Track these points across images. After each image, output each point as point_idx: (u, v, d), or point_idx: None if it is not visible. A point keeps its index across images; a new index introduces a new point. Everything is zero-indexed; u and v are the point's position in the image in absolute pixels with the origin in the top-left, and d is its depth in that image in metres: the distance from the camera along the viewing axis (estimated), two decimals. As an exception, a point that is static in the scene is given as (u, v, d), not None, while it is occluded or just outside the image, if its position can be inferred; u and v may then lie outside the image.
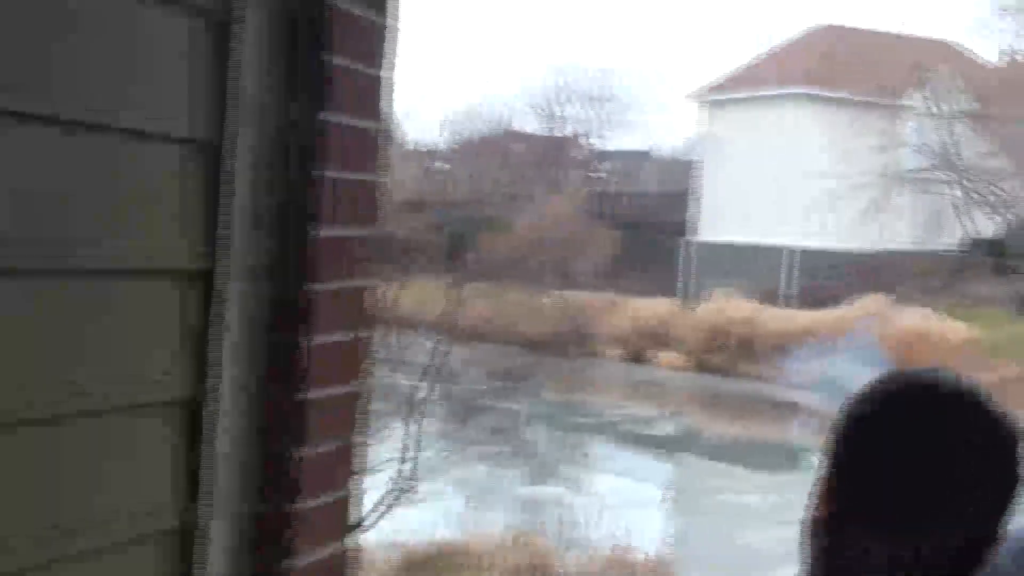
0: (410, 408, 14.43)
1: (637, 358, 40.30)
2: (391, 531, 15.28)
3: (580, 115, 61.03)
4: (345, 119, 2.35)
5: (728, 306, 40.46)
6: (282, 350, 2.28)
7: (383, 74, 2.45)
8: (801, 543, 1.86)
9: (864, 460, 1.80)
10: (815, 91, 45.66)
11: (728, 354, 38.84)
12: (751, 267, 44.85)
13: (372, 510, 13.90)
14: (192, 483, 2.17)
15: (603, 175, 60.86)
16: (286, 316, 2.28)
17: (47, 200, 1.90)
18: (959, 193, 42.67)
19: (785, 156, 45.61)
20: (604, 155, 61.68)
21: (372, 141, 2.43)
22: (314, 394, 2.30)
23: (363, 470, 2.49)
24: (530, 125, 60.59)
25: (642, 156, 62.38)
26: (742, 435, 32.13)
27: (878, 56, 44.77)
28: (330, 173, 2.31)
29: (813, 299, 40.33)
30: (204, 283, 2.18)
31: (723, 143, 48.87)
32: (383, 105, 2.47)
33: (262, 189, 2.26)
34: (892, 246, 43.56)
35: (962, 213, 42.80)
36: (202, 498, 2.17)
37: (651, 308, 41.62)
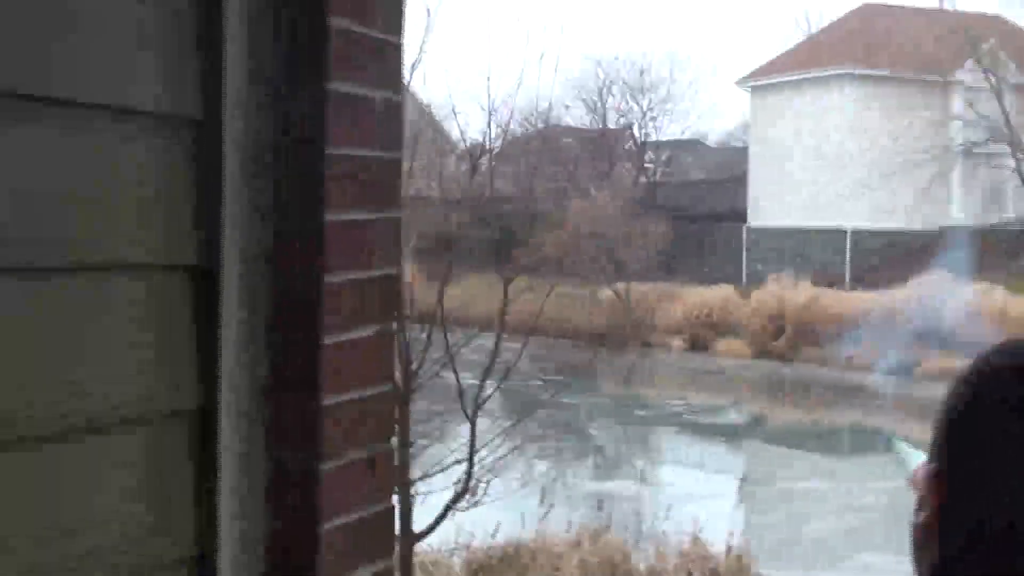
0: (469, 406, 14.17)
1: (697, 347, 39.97)
2: (457, 533, 15.06)
3: (627, 106, 60.66)
4: (352, 88, 2.08)
5: (786, 291, 40.09)
6: (294, 351, 2.02)
7: (394, 38, 2.19)
8: (912, 551, 1.57)
9: (977, 451, 1.50)
10: (862, 71, 45.17)
11: (789, 339, 38.44)
12: (807, 251, 44.46)
13: (437, 513, 13.68)
14: (197, 503, 1.92)
15: (652, 165, 60.52)
16: (297, 313, 2.02)
17: (16, 193, 1.66)
18: (1017, 166, 41.99)
19: (834, 137, 45.19)
20: (653, 145, 61.34)
21: (385, 113, 2.16)
22: (332, 399, 2.03)
23: (395, 479, 2.22)
24: (577, 119, 60.27)
25: (691, 145, 62.08)
26: (808, 420, 31.75)
27: (924, 32, 44.25)
28: (338, 150, 2.05)
29: (871, 280, 39.90)
30: (201, 279, 1.93)
31: (772, 127, 48.49)
32: (395, 73, 2.20)
33: (263, 171, 2.00)
34: (950, 222, 42.99)
35: (1021, 186, 42.11)
36: (209, 520, 1.92)
37: (708, 296, 41.29)
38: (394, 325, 2.19)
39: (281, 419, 2.01)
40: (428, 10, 15.09)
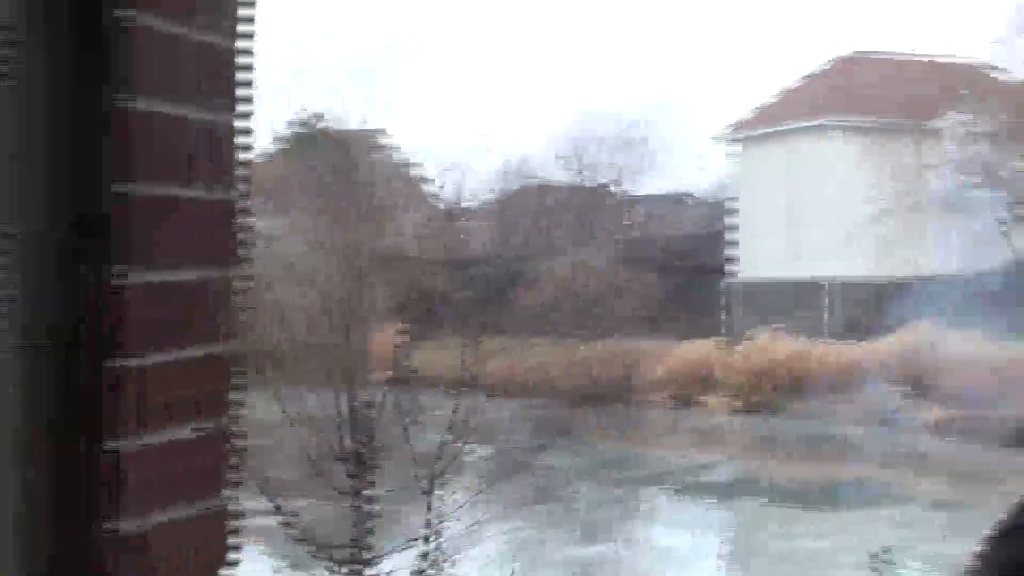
0: (437, 473, 13.51)
1: (682, 403, 39.42)
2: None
3: (609, 162, 60.35)
4: (153, 106, 1.55)
5: (773, 345, 39.64)
6: (67, 463, 1.47)
7: (222, 41, 1.65)
8: None
9: None
10: (843, 120, 45.09)
11: (777, 393, 37.95)
12: (793, 303, 44.05)
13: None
14: None
15: (636, 221, 60.28)
16: (81, 410, 1.48)
17: None
18: (1002, 213, 41.76)
19: (818, 188, 45.03)
20: (636, 201, 61.09)
21: (207, 140, 1.63)
22: (125, 526, 1.49)
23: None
24: (560, 176, 59.89)
25: (675, 199, 61.79)
26: (800, 476, 31.19)
27: (904, 81, 44.27)
28: (131, 188, 1.51)
29: (857, 331, 39.47)
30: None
31: (755, 179, 48.31)
32: (225, 88, 1.67)
33: (28, 215, 1.47)
34: (934, 271, 42.64)
35: (1006, 233, 41.82)
36: None
37: (693, 352, 40.78)
38: (224, 420, 1.64)
39: (64, 563, 1.46)
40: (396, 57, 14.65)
